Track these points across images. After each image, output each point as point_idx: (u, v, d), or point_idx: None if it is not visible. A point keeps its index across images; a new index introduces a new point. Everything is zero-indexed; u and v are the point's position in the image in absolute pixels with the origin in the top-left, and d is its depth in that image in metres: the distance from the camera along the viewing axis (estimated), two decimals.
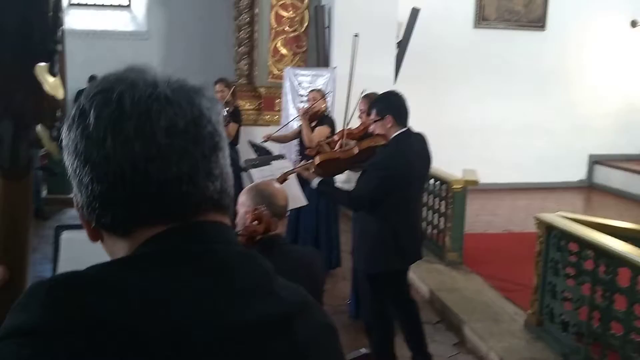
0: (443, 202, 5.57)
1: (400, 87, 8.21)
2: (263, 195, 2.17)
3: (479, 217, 7.48)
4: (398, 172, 3.12)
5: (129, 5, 10.72)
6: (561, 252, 3.77)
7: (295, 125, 5.63)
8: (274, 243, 2.16)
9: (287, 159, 4.23)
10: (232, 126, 5.61)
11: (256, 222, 2.06)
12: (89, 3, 10.64)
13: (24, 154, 0.86)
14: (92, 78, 9.72)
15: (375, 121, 3.25)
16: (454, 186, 5.33)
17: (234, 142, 5.63)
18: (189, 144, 0.71)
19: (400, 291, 3.50)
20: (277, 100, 8.19)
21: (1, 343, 0.63)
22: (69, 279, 0.67)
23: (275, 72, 8.30)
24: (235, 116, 5.71)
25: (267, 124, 8.11)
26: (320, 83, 7.01)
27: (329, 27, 7.92)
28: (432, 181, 5.76)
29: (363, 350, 3.30)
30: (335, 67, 7.12)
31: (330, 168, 3.50)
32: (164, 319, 0.64)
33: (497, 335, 3.96)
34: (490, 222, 7.28)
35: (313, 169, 3.40)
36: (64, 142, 0.73)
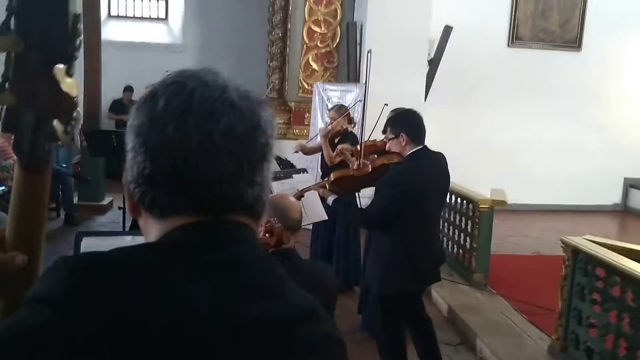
0: (470, 222, 5.50)
1: (430, 105, 8.22)
2: (277, 208, 2.17)
3: (509, 238, 7.35)
4: (411, 189, 3.06)
5: (166, 18, 10.96)
6: (587, 277, 3.68)
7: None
8: (286, 256, 2.15)
9: (310, 173, 4.22)
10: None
11: (268, 234, 2.07)
12: (127, 15, 10.90)
13: (42, 147, 0.90)
14: (127, 88, 9.96)
15: (390, 139, 3.23)
16: (481, 206, 5.25)
17: None
18: (240, 150, 0.75)
19: (414, 311, 3.43)
20: (306, 115, 8.25)
21: (24, 306, 0.67)
22: (93, 259, 0.70)
23: (306, 86, 8.36)
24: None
25: (296, 138, 8.15)
26: (349, 99, 7.02)
27: (360, 43, 7.96)
28: (459, 200, 5.71)
29: None
30: (365, 83, 7.13)
31: (345, 185, 3.46)
32: (177, 306, 0.67)
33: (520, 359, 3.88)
34: (520, 243, 7.14)
35: (329, 186, 3.39)
36: (129, 122, 0.78)
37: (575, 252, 3.78)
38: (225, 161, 0.74)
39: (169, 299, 0.67)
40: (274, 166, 4.30)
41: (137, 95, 9.56)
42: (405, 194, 3.06)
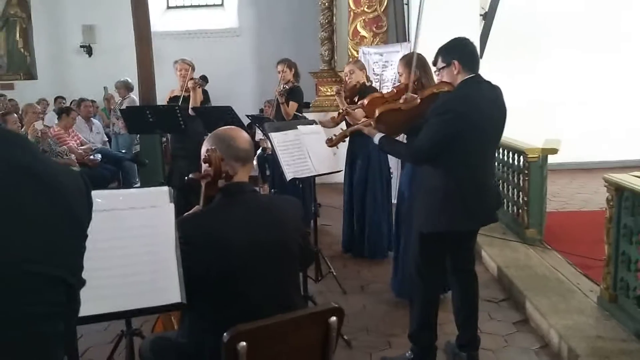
0: (521, 176, 5.11)
1: (487, 63, 7.71)
2: (221, 139, 2.04)
3: (578, 196, 6.85)
4: (460, 115, 2.74)
5: (222, 4, 11.09)
6: (634, 217, 3.28)
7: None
8: (237, 190, 2.03)
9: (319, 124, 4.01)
10: (292, 105, 5.47)
11: (206, 164, 1.95)
12: (185, 4, 11.13)
13: None
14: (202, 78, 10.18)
15: (440, 69, 2.96)
16: (530, 156, 4.85)
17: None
18: None
19: (459, 258, 3.13)
20: None
21: None
22: None
23: (356, 55, 8.13)
24: (294, 95, 5.51)
25: None
26: (395, 59, 6.76)
27: (407, 3, 7.64)
28: (510, 154, 5.35)
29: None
30: (409, 42, 6.83)
31: (392, 122, 3.13)
32: None
33: (563, 313, 3.52)
34: (589, 200, 6.60)
35: (374, 124, 3.13)
36: None
37: (620, 190, 3.39)
38: None
39: None
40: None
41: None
42: (453, 120, 2.74)
